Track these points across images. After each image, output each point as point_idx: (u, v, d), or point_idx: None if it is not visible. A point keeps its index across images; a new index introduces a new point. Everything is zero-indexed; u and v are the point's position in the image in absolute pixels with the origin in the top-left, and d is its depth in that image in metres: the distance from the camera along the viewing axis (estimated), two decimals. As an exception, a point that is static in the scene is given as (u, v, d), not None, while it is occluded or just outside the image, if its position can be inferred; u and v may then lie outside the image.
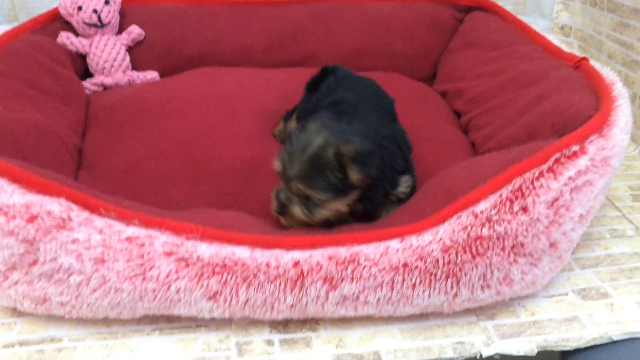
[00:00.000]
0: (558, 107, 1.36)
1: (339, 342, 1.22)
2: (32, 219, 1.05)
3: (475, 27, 2.07)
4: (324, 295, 1.13)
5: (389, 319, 1.27)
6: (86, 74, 2.01)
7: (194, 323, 1.25)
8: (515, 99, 1.58)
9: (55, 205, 1.06)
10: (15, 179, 1.07)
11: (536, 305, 1.32)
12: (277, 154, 1.26)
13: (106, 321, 1.24)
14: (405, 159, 1.38)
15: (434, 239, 1.12)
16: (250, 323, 1.26)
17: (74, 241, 1.06)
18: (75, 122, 1.67)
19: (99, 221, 1.08)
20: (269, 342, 1.22)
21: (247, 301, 1.13)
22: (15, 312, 1.26)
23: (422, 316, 1.28)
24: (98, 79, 1.97)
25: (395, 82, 2.01)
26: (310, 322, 1.27)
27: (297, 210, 1.25)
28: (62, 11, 1.95)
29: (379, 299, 1.15)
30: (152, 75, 2.05)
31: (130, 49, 2.05)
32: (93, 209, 1.09)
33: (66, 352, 1.18)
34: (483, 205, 1.12)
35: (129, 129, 1.63)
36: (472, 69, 1.90)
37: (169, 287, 1.10)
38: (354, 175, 1.21)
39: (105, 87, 1.98)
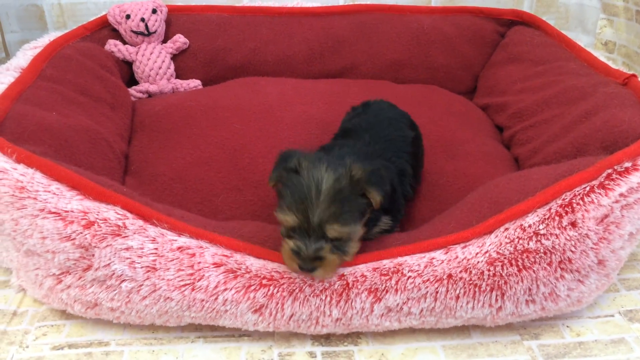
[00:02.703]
0: (607, 123, 1.35)
1: (380, 356, 1.23)
2: (89, 225, 1.07)
3: (519, 41, 2.06)
4: (368, 308, 1.13)
5: (431, 335, 1.27)
6: (131, 81, 2.05)
7: (237, 332, 1.27)
8: (561, 115, 1.57)
9: (112, 213, 1.09)
10: (74, 186, 1.11)
11: (581, 325, 1.31)
12: (283, 205, 1.09)
13: (152, 327, 1.27)
14: (392, 200, 1.22)
15: (480, 251, 1.12)
16: (292, 335, 1.27)
17: (127, 248, 1.08)
18: (122, 128, 1.71)
19: (152, 230, 1.11)
20: (312, 354, 1.22)
21: (292, 315, 1.14)
22: (64, 315, 1.29)
23: (464, 333, 1.28)
24: (143, 86, 2.01)
25: (436, 95, 2.01)
26: (352, 336, 1.27)
27: (332, 257, 1.08)
28: (111, 19, 1.99)
29: (422, 310, 1.15)
30: (195, 83, 2.08)
31: (174, 57, 2.08)
32: (147, 218, 1.11)
33: (114, 355, 1.20)
34: (531, 219, 1.12)
35: (174, 137, 1.66)
36: (516, 83, 1.88)
37: (216, 298, 1.11)
38: (376, 197, 1.09)
39: (150, 95, 2.01)
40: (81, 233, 1.07)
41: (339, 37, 2.17)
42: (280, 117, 1.71)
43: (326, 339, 1.26)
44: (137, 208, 1.11)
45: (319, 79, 2.12)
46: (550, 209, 1.12)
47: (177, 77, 2.09)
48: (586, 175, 1.14)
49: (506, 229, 1.13)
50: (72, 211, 1.08)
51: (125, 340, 1.24)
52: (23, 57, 1.68)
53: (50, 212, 1.08)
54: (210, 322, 1.18)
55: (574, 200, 1.12)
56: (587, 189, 1.13)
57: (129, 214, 1.10)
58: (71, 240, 1.08)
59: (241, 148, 1.58)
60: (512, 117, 1.78)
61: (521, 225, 1.12)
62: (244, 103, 1.77)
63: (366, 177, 1.09)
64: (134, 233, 1.09)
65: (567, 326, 1.31)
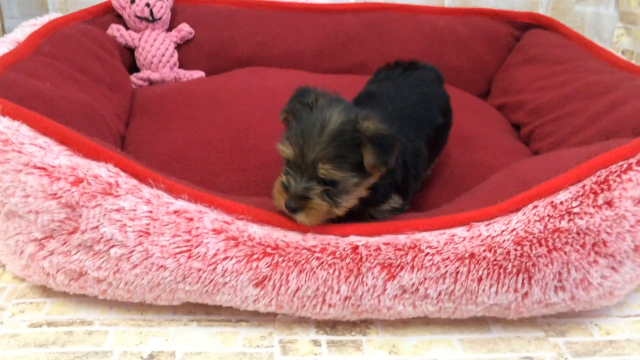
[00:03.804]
0: (638, 110, 1.26)
1: (392, 348, 1.11)
2: (77, 181, 0.97)
3: (536, 43, 1.99)
4: (381, 285, 1.03)
5: (447, 327, 1.16)
6: (132, 69, 1.97)
7: (234, 317, 1.15)
8: (585, 108, 1.49)
9: (103, 170, 0.99)
10: (62, 141, 1.01)
11: (610, 324, 1.20)
12: (285, 136, 1.04)
13: (140, 308, 1.15)
14: (405, 179, 1.18)
15: (506, 229, 1.02)
16: (294, 321, 1.15)
17: (118, 210, 0.98)
18: (120, 109, 1.62)
19: (147, 190, 1.00)
20: (316, 343, 1.11)
21: (297, 290, 1.03)
22: (45, 292, 1.18)
23: (483, 327, 1.17)
24: (145, 73, 1.93)
25: (451, 92, 1.91)
26: (361, 325, 1.16)
27: (320, 201, 1.02)
28: (115, 3, 1.93)
29: (440, 293, 1.04)
30: (198, 74, 2.00)
31: (179, 47, 2.01)
32: (142, 178, 1.01)
33: (97, 335, 1.08)
34: (563, 196, 1.02)
35: (175, 119, 1.57)
36: (533, 82, 1.81)
37: (215, 268, 1.00)
38: (368, 159, 1.00)
39: (151, 83, 1.93)
40: (68, 190, 0.97)
41: (349, 34, 2.10)
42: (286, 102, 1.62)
43: (332, 327, 1.15)
44: (132, 167, 1.01)
45: (327, 74, 2.04)
46: (584, 185, 1.03)
47: (181, 67, 2.01)
48: (623, 152, 1.05)
49: (535, 207, 1.04)
50: (60, 167, 0.98)
51: (111, 320, 1.12)
52: (21, 33, 1.60)
53: (36, 167, 0.98)
54: (207, 298, 1.06)
55: (610, 178, 1.03)
56: (625, 166, 1.04)
57: (122, 173, 1.00)
58: (57, 198, 0.98)
59: (246, 129, 1.49)
60: (530, 113, 1.70)
61: (552, 202, 1.03)
62: (250, 88, 1.69)
63: (371, 134, 1.00)
64: (127, 193, 0.99)
65: (596, 324, 1.19)
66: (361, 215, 1.20)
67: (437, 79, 1.50)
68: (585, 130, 1.40)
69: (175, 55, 1.98)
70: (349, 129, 1.01)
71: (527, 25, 2.13)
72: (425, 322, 1.17)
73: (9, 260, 1.14)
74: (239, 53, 2.05)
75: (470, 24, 2.13)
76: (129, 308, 1.15)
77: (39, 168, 0.98)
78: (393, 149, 1.02)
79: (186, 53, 2.03)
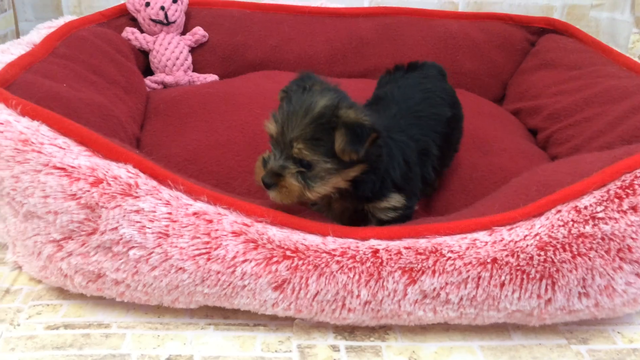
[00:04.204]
0: (662, 115, 1.25)
1: (412, 354, 1.10)
2: (97, 182, 0.96)
3: (551, 48, 1.98)
4: (401, 290, 1.01)
5: (467, 334, 1.14)
6: (146, 72, 1.97)
7: (252, 321, 1.14)
8: (604, 113, 1.47)
9: (123, 171, 0.98)
10: (82, 141, 1.01)
11: (634, 332, 1.18)
12: (272, 114, 1.07)
13: (157, 311, 1.14)
14: (405, 177, 1.17)
15: (529, 234, 1.00)
16: (312, 326, 1.14)
17: (138, 211, 0.97)
18: (135, 112, 1.61)
19: (166, 192, 1.00)
20: (334, 348, 1.09)
21: (316, 294, 1.01)
22: (62, 294, 1.17)
23: (504, 334, 1.15)
24: (159, 76, 1.92)
25: (465, 97, 1.90)
26: (379, 331, 1.14)
27: (293, 181, 1.03)
28: (130, 6, 1.93)
29: (461, 298, 1.02)
30: (212, 78, 2.00)
31: (192, 51, 2.01)
32: (161, 180, 1.01)
33: (114, 338, 1.07)
34: (587, 200, 1.01)
35: (191, 121, 1.56)
36: (550, 87, 1.80)
37: (234, 271, 0.99)
38: (338, 142, 1.01)
39: (165, 86, 1.93)
40: (88, 191, 0.96)
41: (363, 38, 2.10)
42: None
43: (350, 332, 1.13)
44: (151, 168, 1.01)
45: (342, 78, 2.03)
46: (608, 190, 1.01)
47: (195, 70, 2.01)
48: (648, 156, 1.03)
49: (558, 211, 1.02)
50: (79, 167, 0.97)
51: (128, 323, 1.11)
52: (37, 35, 1.60)
53: (55, 167, 0.97)
54: (225, 301, 1.05)
55: (635, 182, 1.01)
56: (650, 170, 1.02)
57: (141, 174, 1.00)
58: (76, 199, 0.97)
59: (261, 132, 1.45)
60: (547, 118, 1.68)
61: (575, 206, 1.01)
62: (265, 91, 1.68)
63: (347, 120, 1.02)
64: (146, 194, 0.98)
65: (618, 332, 1.17)
66: (363, 214, 1.20)
67: (440, 74, 1.49)
68: (605, 134, 1.38)
69: (190, 58, 1.98)
70: (329, 113, 1.03)
71: (542, 30, 2.11)
72: (444, 328, 1.15)
73: (26, 261, 1.14)
74: (252, 57, 2.05)
75: (484, 29, 2.12)
76: (146, 311, 1.14)
77: (59, 168, 0.97)
78: (366, 139, 1.02)
79: (200, 56, 2.02)
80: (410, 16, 2.15)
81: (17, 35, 2.18)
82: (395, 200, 1.15)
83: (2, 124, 1.01)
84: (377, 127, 1.04)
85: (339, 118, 1.02)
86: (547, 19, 2.11)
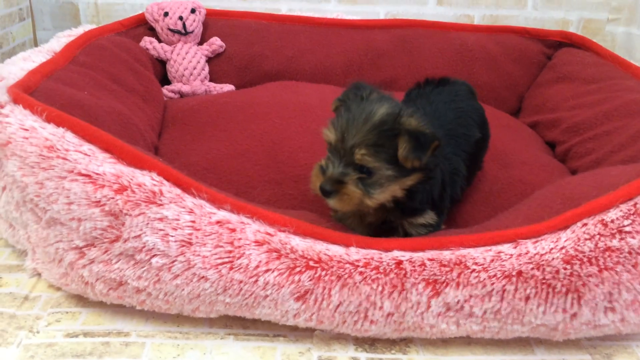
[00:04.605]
0: (685, 129, 1.24)
1: (433, 367, 1.08)
2: (121, 189, 0.96)
3: (568, 61, 1.97)
4: (425, 302, 1.00)
5: (489, 348, 1.12)
6: (163, 82, 1.98)
7: (271, 332, 1.13)
8: (625, 126, 1.47)
9: (147, 178, 0.98)
10: (107, 148, 1.01)
11: (658, 348, 1.16)
12: (331, 122, 1.08)
13: (177, 320, 1.14)
14: (441, 196, 1.18)
15: (555, 247, 0.99)
16: (333, 337, 1.13)
17: (161, 219, 0.97)
18: (153, 120, 1.62)
19: (189, 200, 0.99)
20: (355, 360, 1.08)
21: (339, 305, 1.00)
22: (81, 302, 1.16)
23: (527, 348, 1.13)
24: (176, 86, 1.93)
25: (482, 110, 1.91)
26: (400, 343, 1.13)
27: (354, 188, 1.04)
28: (148, 16, 1.94)
29: (485, 312, 1.01)
30: (228, 88, 2.00)
31: (209, 61, 2.01)
32: (185, 188, 1.00)
33: (134, 347, 1.07)
34: (614, 214, 0.99)
35: (209, 130, 1.56)
36: (568, 100, 1.79)
37: (256, 280, 0.98)
38: (402, 149, 1.02)
39: (182, 95, 1.93)
40: (112, 198, 0.96)
41: (379, 50, 2.10)
42: (321, 116, 1.60)
43: (371, 344, 1.12)
44: (175, 176, 1.00)
45: (359, 89, 2.03)
46: (635, 204, 1.00)
47: (211, 80, 2.02)
48: (675, 170, 1.02)
49: (584, 224, 1.01)
50: (104, 174, 0.97)
51: (148, 331, 1.11)
52: (57, 43, 1.62)
53: (80, 174, 0.97)
54: (246, 311, 1.04)
55: (663, 196, 1.00)
56: (678, 184, 1.01)
57: (165, 181, 0.99)
58: (100, 205, 0.97)
59: (280, 142, 1.48)
60: (566, 131, 1.67)
61: (602, 220, 1.00)
62: (283, 101, 1.68)
63: (410, 127, 1.03)
64: (170, 202, 0.97)
65: (642, 348, 1.16)
66: (395, 228, 1.19)
67: (470, 93, 1.48)
68: (627, 148, 1.37)
69: (207, 68, 1.99)
70: (391, 120, 1.04)
71: (559, 43, 2.11)
72: (466, 342, 1.14)
73: (46, 268, 1.13)
74: (268, 67, 2.05)
75: (500, 42, 2.12)
76: (165, 320, 1.13)
77: (84, 175, 0.97)
78: (429, 147, 1.04)
79: (216, 66, 2.03)
80: (427, 28, 2.16)
81: (35, 43, 2.20)
82: (430, 217, 1.16)
83: (27, 130, 1.02)
84: (439, 136, 1.05)
85: (401, 125, 1.03)
86: (564, 32, 2.10)
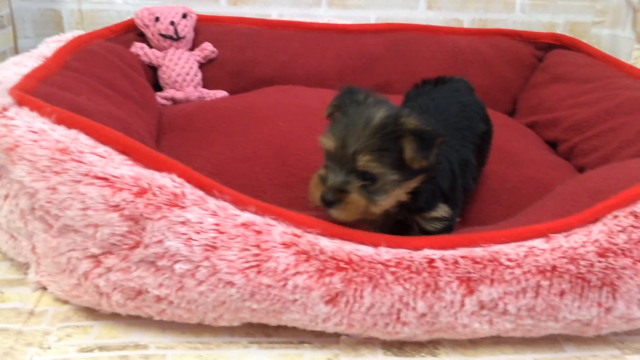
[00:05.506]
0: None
1: (463, 369, 1.05)
2: (141, 192, 0.91)
3: (560, 62, 1.99)
4: (459, 301, 0.97)
5: (518, 347, 1.10)
6: (155, 89, 1.92)
7: (296, 339, 1.09)
8: (630, 123, 1.48)
9: (167, 180, 0.93)
10: (123, 150, 0.96)
11: (684, 341, 1.15)
12: (328, 129, 1.05)
13: (195, 330, 1.08)
14: (452, 188, 1.16)
15: (587, 240, 0.98)
16: (359, 343, 1.09)
17: (184, 222, 0.92)
18: (151, 126, 1.56)
19: (212, 202, 0.95)
20: (384, 364, 1.05)
21: (371, 307, 0.97)
22: (91, 314, 1.10)
23: (556, 346, 1.11)
24: (169, 92, 1.88)
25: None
26: (429, 346, 1.10)
27: (358, 197, 1.01)
28: (138, 22, 1.89)
29: (519, 309, 0.99)
30: (221, 94, 1.96)
31: (201, 67, 1.97)
32: (207, 189, 0.96)
33: (154, 359, 1.01)
34: (644, 205, 0.99)
35: (210, 134, 1.52)
36: (565, 100, 1.80)
37: (285, 284, 0.94)
38: (408, 150, 0.99)
39: (175, 102, 1.88)
40: (132, 202, 0.91)
41: (372, 54, 2.09)
42: (325, 119, 1.58)
43: (399, 348, 1.08)
44: (196, 177, 0.96)
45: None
46: (664, 194, 1.00)
47: (204, 87, 1.97)
48: None
49: (615, 217, 1.00)
50: (122, 177, 0.92)
51: (167, 343, 1.05)
52: (47, 48, 1.55)
53: (97, 177, 0.92)
54: (272, 317, 1.00)
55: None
56: None
57: (186, 184, 0.95)
58: (119, 210, 0.91)
59: (288, 145, 1.44)
60: (568, 130, 1.68)
61: (633, 211, 0.99)
62: (284, 105, 1.65)
63: (412, 127, 1.00)
64: (193, 204, 0.93)
65: (669, 341, 1.15)
66: (409, 225, 1.17)
67: (469, 89, 1.49)
68: (635, 143, 1.38)
69: (199, 74, 1.94)
70: (391, 122, 1.01)
71: (549, 45, 2.13)
72: (494, 341, 1.11)
73: (53, 280, 1.07)
74: (261, 72, 2.02)
75: (493, 44, 2.13)
76: (183, 330, 1.08)
77: (100, 178, 0.92)
78: (434, 144, 1.01)
79: (209, 73, 1.99)
80: (419, 32, 2.15)
81: (16, 52, 2.12)
82: (443, 210, 1.12)
83: (36, 132, 0.96)
84: (441, 131, 1.02)
85: (402, 126, 1.00)
86: (554, 34, 2.13)
